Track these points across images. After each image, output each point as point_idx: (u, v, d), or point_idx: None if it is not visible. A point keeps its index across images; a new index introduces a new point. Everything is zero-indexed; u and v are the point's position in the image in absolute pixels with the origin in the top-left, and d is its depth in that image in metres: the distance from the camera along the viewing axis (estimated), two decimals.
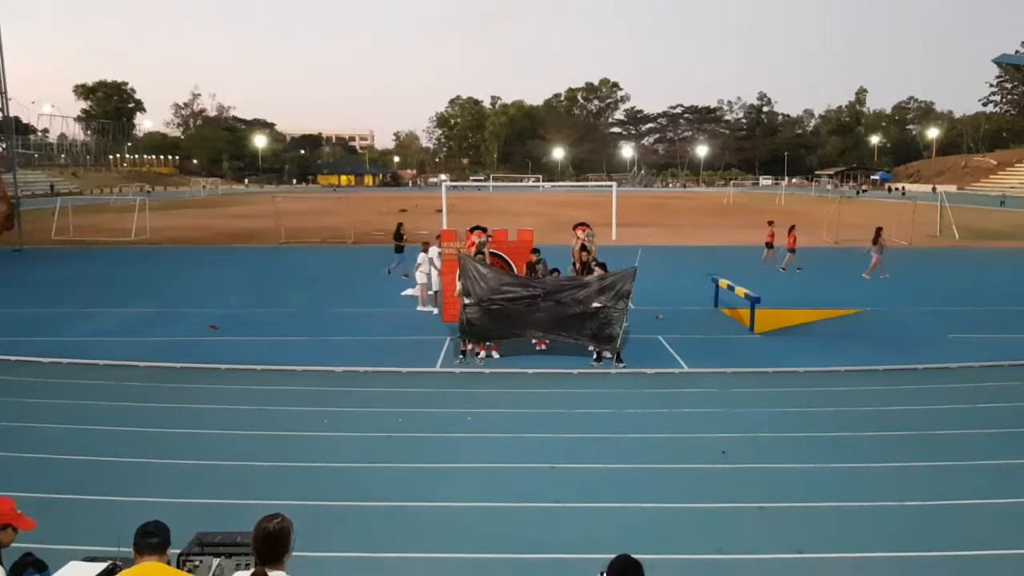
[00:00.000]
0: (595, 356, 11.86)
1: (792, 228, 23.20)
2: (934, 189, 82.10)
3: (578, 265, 12.88)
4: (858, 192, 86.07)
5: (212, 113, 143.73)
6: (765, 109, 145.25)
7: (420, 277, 16.07)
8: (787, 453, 8.29)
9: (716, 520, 6.66)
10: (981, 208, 51.34)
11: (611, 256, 13.87)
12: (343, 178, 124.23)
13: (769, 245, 23.96)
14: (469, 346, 12.05)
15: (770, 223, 24.94)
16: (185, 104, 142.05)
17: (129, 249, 29.50)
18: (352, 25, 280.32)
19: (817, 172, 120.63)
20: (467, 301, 11.71)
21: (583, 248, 12.97)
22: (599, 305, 11.56)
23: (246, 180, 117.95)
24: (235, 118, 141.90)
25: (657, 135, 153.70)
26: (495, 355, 12.14)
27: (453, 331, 12.84)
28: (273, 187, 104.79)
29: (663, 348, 12.85)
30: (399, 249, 21.39)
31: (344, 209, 40.95)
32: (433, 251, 15.70)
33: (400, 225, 22.59)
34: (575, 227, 13.95)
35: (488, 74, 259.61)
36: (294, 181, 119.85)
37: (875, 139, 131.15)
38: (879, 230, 21.33)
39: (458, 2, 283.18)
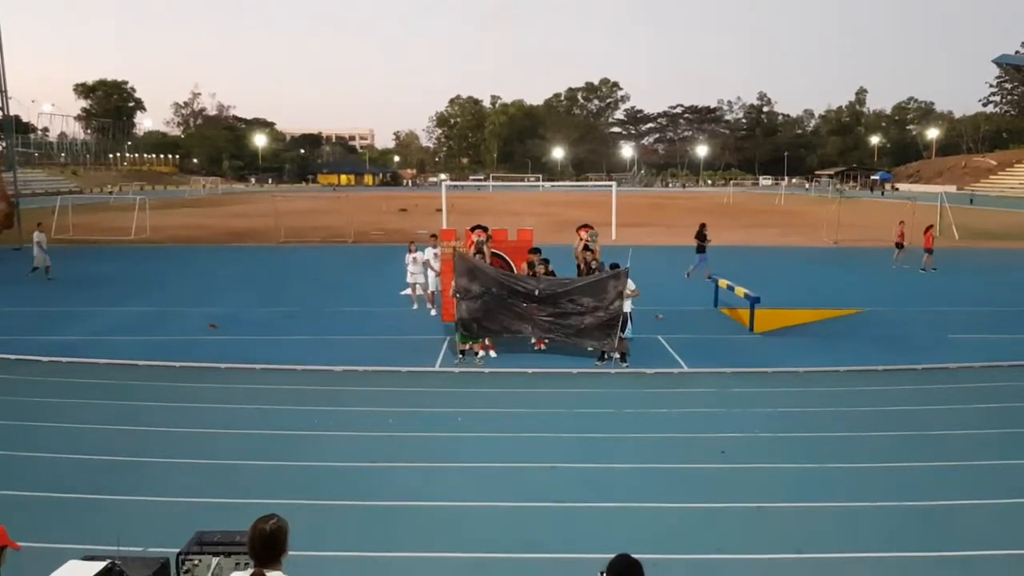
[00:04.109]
0: (600, 356, 11.84)
1: (928, 228, 22.85)
2: (895, 188, 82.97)
3: (582, 266, 12.87)
4: (841, 193, 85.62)
5: (212, 112, 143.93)
6: (765, 109, 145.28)
7: (419, 276, 16.05)
8: (786, 453, 8.29)
9: (715, 520, 6.67)
10: (954, 207, 50.59)
11: (610, 256, 13.85)
12: (343, 177, 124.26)
13: (900, 245, 23.57)
14: (468, 346, 12.03)
15: (901, 223, 24.20)
16: (185, 103, 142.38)
17: (129, 248, 29.50)
18: (352, 25, 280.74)
19: (817, 172, 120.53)
20: (462, 295, 11.60)
21: (586, 248, 12.97)
22: (595, 305, 11.39)
23: (252, 179, 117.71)
24: (235, 117, 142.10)
25: (657, 135, 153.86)
26: (492, 354, 12.12)
27: (452, 331, 12.83)
28: (273, 187, 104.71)
29: (663, 348, 12.85)
30: (701, 249, 21.05)
31: (344, 208, 40.92)
32: (430, 252, 15.66)
33: (703, 226, 21.83)
34: (578, 229, 13.96)
35: (488, 74, 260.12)
36: (270, 181, 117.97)
37: (875, 139, 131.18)
38: None
39: (458, 2, 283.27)
